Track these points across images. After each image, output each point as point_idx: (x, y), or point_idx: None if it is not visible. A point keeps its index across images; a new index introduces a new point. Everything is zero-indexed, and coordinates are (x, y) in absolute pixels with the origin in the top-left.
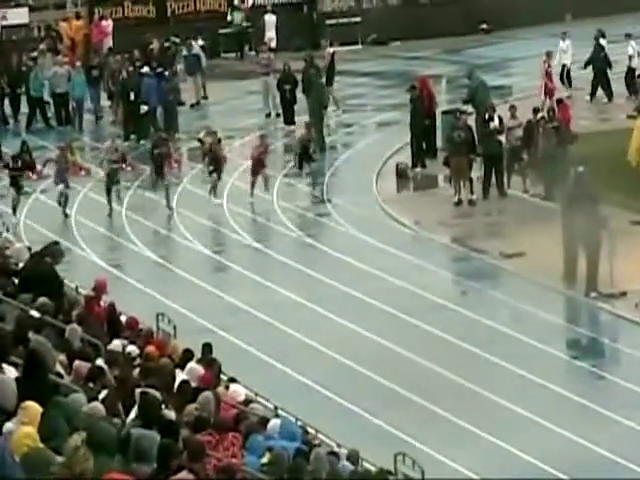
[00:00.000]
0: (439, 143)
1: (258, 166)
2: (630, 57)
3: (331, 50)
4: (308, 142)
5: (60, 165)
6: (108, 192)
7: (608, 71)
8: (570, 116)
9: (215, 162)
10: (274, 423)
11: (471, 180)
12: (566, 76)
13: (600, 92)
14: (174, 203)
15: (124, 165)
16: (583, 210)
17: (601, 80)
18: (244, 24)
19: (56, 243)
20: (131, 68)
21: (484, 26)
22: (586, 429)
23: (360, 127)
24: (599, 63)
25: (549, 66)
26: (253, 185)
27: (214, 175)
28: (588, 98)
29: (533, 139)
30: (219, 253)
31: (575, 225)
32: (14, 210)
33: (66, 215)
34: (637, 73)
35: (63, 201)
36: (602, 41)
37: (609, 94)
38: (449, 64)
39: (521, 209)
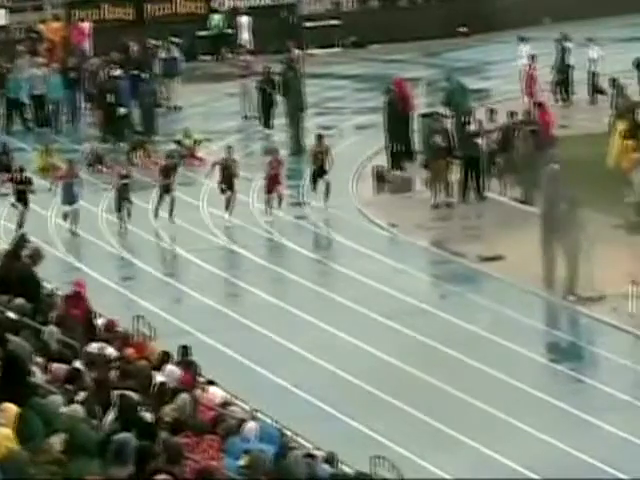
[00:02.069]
0: (416, 146)
1: (273, 184)
2: (592, 61)
3: (298, 52)
4: (322, 155)
5: (68, 181)
6: (118, 209)
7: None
8: (550, 119)
9: (228, 179)
10: (250, 426)
11: (449, 183)
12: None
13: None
14: (151, 205)
15: (100, 166)
16: (562, 213)
17: (564, 82)
18: (221, 25)
19: (23, 236)
20: (109, 70)
21: (463, 29)
22: (565, 432)
23: (338, 130)
24: (563, 66)
25: (533, 69)
26: (269, 202)
27: (228, 192)
28: (564, 102)
29: (509, 143)
30: (195, 254)
31: (554, 228)
32: (20, 226)
33: (73, 233)
34: (612, 78)
35: (72, 219)
36: (566, 44)
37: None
38: (428, 67)
39: (499, 212)
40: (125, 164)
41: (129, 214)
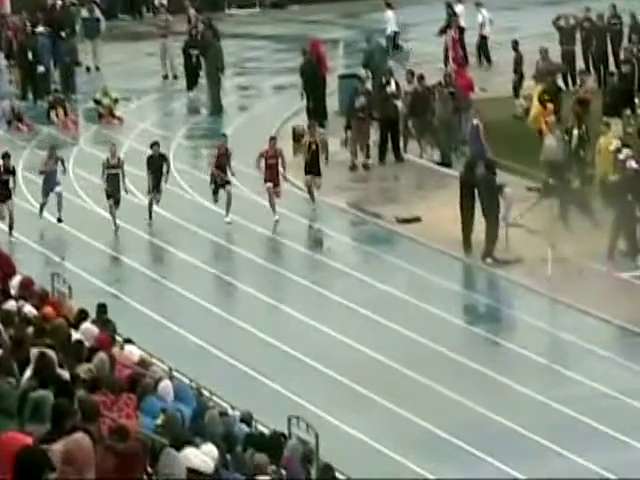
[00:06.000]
0: (336, 107)
1: (272, 175)
2: (481, 25)
3: (195, 14)
4: (315, 145)
5: (49, 172)
6: (109, 197)
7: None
8: (468, 82)
9: (222, 171)
10: (165, 384)
11: (368, 145)
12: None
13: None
14: (70, 165)
15: (20, 125)
16: (480, 176)
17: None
18: None
19: None
20: (29, 28)
21: None
22: (481, 395)
23: (257, 90)
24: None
25: (455, 33)
26: (271, 194)
27: (226, 186)
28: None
29: (421, 105)
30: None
31: (473, 190)
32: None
33: (60, 220)
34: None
35: (58, 204)
36: (457, 8)
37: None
38: (347, 28)
39: (417, 174)
40: (112, 153)
41: (117, 202)
